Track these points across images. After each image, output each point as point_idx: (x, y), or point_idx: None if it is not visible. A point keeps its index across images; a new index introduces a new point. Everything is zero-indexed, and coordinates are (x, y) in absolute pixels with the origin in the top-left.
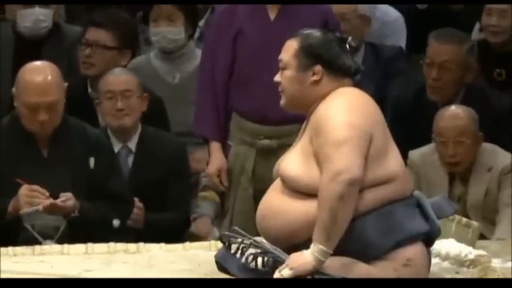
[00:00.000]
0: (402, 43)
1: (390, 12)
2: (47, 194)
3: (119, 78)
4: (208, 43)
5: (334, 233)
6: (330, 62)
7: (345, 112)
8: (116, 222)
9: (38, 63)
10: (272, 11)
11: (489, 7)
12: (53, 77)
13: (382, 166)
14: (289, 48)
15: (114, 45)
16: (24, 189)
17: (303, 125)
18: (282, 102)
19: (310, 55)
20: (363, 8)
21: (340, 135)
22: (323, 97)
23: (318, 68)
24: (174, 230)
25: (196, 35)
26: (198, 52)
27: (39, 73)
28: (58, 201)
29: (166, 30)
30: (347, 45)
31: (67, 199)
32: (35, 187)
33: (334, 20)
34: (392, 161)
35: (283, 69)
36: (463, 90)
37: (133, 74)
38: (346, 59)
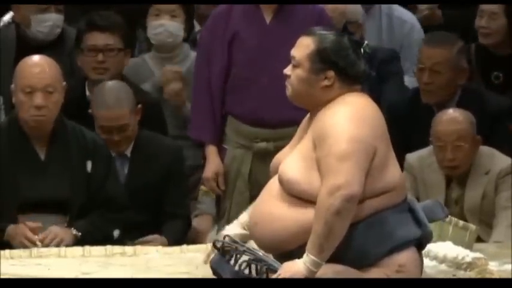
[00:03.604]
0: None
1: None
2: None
3: (111, 114)
4: (203, 47)
5: (328, 245)
6: (344, 70)
7: (352, 124)
8: (116, 233)
9: (35, 55)
10: (267, 14)
11: (481, 9)
12: (49, 63)
13: (382, 178)
14: (303, 47)
15: (122, 47)
16: (22, 229)
17: (302, 124)
18: (288, 93)
19: (325, 60)
20: (352, 13)
21: (344, 148)
22: (330, 100)
23: (331, 73)
24: (179, 237)
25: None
26: (192, 54)
27: (36, 60)
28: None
29: (169, 23)
30: (362, 50)
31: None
32: (33, 228)
33: (329, 22)
34: (392, 171)
35: (295, 66)
36: (459, 93)
37: (126, 94)
38: (361, 65)
